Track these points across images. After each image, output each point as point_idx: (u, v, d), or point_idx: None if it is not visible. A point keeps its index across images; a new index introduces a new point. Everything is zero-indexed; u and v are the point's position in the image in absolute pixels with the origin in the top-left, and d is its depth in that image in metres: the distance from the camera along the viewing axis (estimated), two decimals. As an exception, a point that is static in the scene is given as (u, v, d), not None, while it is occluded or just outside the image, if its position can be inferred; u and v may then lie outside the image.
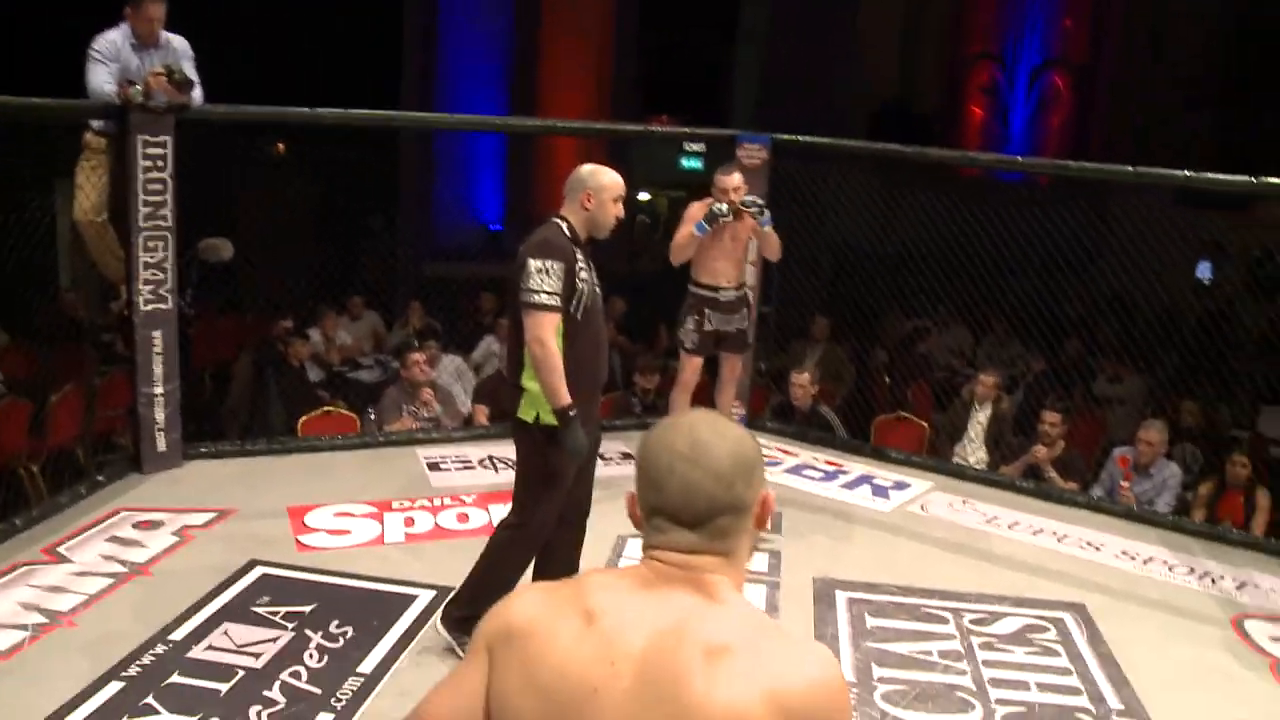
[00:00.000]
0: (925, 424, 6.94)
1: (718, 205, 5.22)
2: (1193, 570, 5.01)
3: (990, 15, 14.49)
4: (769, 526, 1.55)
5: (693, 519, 1.43)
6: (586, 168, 3.78)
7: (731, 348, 5.68)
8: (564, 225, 3.68)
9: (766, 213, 5.32)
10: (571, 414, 3.55)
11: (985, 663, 3.96)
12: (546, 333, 3.53)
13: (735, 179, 5.35)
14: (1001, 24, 14.35)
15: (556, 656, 1.39)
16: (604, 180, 3.71)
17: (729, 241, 5.44)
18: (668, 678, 1.34)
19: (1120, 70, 13.94)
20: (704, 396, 6.07)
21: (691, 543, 1.43)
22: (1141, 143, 12.61)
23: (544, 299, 3.52)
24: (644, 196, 14.82)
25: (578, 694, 1.37)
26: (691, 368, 5.64)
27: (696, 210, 5.40)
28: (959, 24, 14.70)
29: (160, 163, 5.09)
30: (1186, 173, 5.45)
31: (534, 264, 3.53)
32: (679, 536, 1.44)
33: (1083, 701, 3.77)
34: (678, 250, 5.42)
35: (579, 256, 3.63)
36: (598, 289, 3.74)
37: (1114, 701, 3.78)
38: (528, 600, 1.48)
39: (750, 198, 5.32)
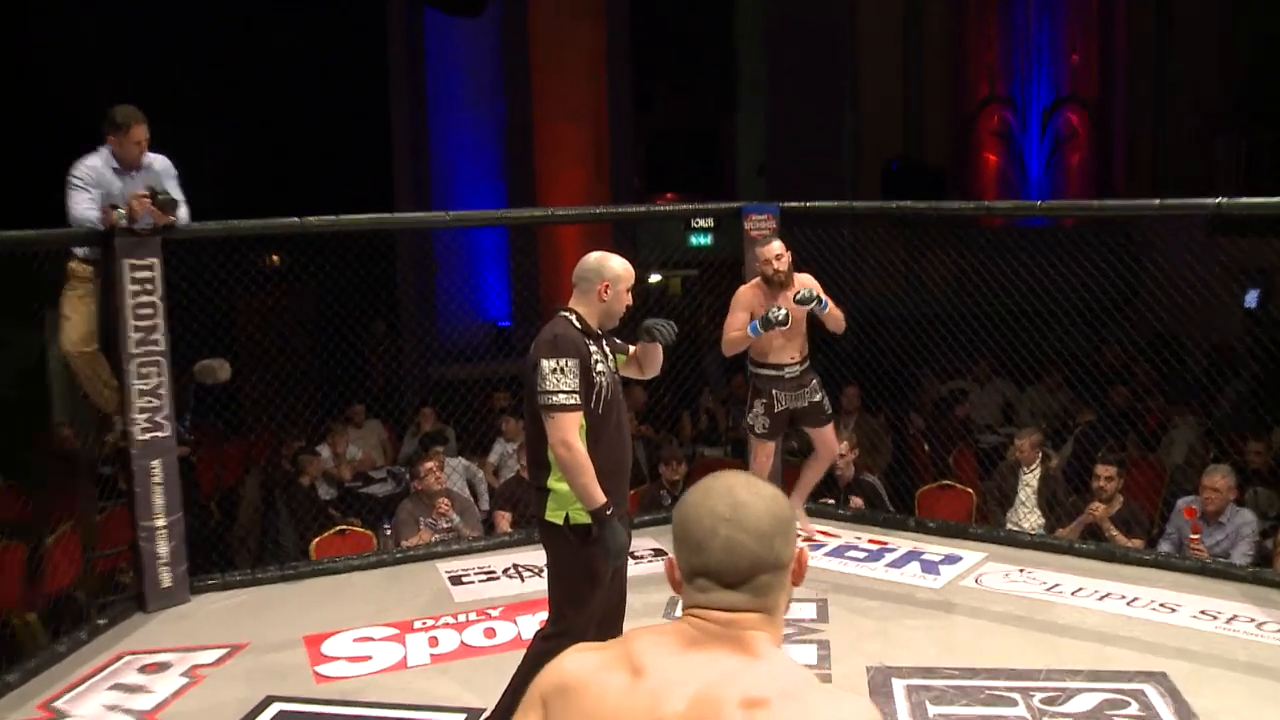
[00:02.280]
0: (972, 491, 6.63)
1: (775, 311, 5.12)
2: (1282, 626, 4.67)
3: (994, 56, 14.15)
4: (803, 583, 1.61)
5: (736, 578, 1.51)
6: (594, 257, 3.68)
7: (812, 422, 5.52)
8: (573, 318, 3.57)
9: (822, 299, 5.25)
10: (609, 513, 3.42)
11: (1067, 749, 3.64)
12: (570, 434, 3.42)
13: (775, 247, 5.34)
14: (1007, 65, 14.04)
15: (607, 710, 1.48)
16: (618, 270, 3.62)
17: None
18: None
19: (1135, 101, 13.66)
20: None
21: (734, 601, 1.51)
22: (1165, 174, 12.31)
23: (563, 399, 3.41)
24: (655, 278, 14.69)
25: None
26: (765, 454, 5.50)
27: (746, 295, 5.31)
28: (963, 69, 14.38)
29: (149, 286, 5.00)
30: (1219, 200, 5.21)
31: (547, 364, 3.43)
32: (722, 596, 1.51)
33: (1180, 785, 3.44)
34: (730, 345, 5.35)
35: (593, 349, 3.53)
36: (617, 379, 3.64)
37: (1214, 782, 3.44)
38: (581, 657, 1.57)
39: (804, 293, 5.22)
